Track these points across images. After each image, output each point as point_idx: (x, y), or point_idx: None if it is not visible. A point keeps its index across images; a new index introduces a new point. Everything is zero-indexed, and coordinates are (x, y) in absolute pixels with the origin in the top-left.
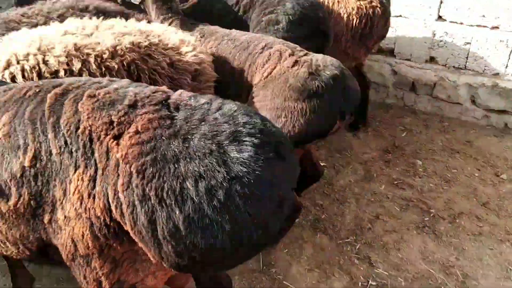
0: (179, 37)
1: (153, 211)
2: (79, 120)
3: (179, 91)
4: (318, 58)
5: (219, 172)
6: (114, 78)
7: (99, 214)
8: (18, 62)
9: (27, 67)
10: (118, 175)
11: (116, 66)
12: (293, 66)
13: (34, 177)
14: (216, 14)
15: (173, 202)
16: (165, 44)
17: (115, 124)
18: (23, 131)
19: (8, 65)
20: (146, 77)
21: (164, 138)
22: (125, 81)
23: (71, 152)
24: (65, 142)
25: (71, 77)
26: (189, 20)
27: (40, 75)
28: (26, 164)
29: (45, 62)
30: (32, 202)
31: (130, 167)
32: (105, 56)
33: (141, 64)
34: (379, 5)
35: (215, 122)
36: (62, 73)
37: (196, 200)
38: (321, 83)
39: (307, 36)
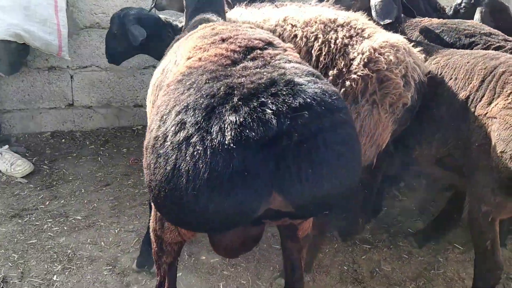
0: (384, 33)
1: (151, 121)
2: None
3: (290, 51)
4: None
5: (193, 117)
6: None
7: None
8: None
9: None
10: None
11: (300, 34)
12: None
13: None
14: None
15: (158, 119)
16: (359, 29)
17: (196, 48)
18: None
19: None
20: (317, 46)
21: (203, 71)
22: (262, 31)
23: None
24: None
25: None
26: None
27: None
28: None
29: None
30: None
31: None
32: (298, 24)
33: (320, 34)
34: None
35: (257, 84)
36: None
37: (168, 128)
38: None
39: None
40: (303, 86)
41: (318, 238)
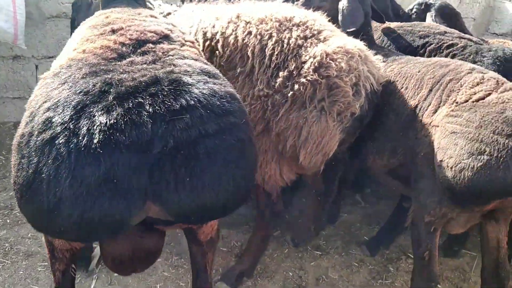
0: (342, 38)
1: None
2: None
3: (189, 46)
4: None
5: (61, 116)
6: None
7: None
8: (198, 24)
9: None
10: None
11: (255, 31)
12: None
13: None
14: None
15: (28, 116)
16: (315, 31)
17: (84, 39)
18: None
19: (191, 25)
20: (270, 44)
21: (83, 64)
22: (162, 22)
23: None
24: None
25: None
26: (376, 45)
27: (205, 34)
28: None
29: (214, 26)
30: None
31: None
32: (252, 21)
33: (274, 32)
34: None
35: (138, 82)
36: (219, 34)
37: (35, 126)
38: None
39: None
40: (189, 86)
41: (261, 243)
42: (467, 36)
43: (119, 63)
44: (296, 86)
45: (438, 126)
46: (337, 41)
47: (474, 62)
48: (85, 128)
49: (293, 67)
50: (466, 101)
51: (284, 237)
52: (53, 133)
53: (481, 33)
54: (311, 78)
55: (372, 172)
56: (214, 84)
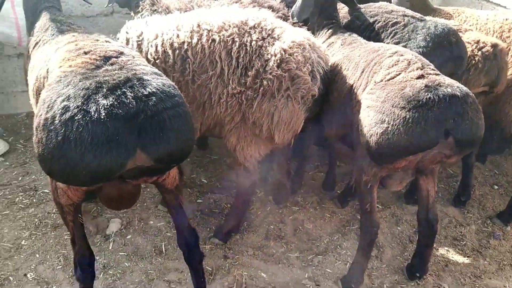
0: (291, 32)
1: (38, 110)
2: None
3: (138, 57)
4: (447, 79)
5: (75, 103)
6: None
7: None
8: (162, 36)
9: (165, 39)
10: None
11: (218, 39)
12: (417, 78)
13: None
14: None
15: (46, 107)
16: (269, 30)
17: (62, 60)
18: None
19: (156, 37)
20: (235, 49)
21: (76, 73)
22: (115, 43)
23: None
24: None
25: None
26: (342, 29)
27: (172, 45)
28: (34, 81)
29: (178, 36)
30: None
31: None
32: (213, 29)
33: (236, 38)
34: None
35: (118, 81)
36: (186, 44)
37: (56, 112)
38: (434, 97)
39: (441, 64)
40: (149, 80)
41: (242, 205)
42: (410, 13)
43: (99, 71)
44: (265, 82)
45: (361, 102)
46: (289, 36)
47: (409, 39)
48: (94, 108)
49: (258, 65)
50: (382, 80)
51: (268, 197)
52: (72, 114)
53: None
54: (276, 73)
55: (328, 140)
56: (162, 79)
